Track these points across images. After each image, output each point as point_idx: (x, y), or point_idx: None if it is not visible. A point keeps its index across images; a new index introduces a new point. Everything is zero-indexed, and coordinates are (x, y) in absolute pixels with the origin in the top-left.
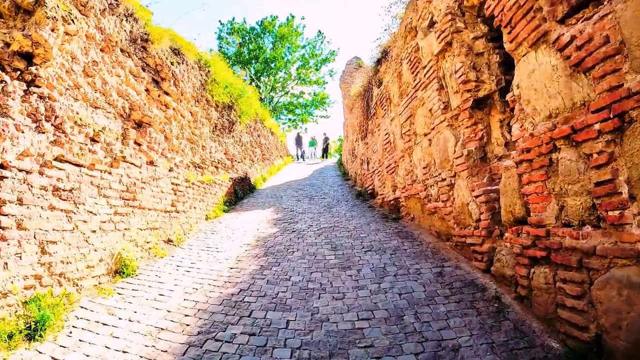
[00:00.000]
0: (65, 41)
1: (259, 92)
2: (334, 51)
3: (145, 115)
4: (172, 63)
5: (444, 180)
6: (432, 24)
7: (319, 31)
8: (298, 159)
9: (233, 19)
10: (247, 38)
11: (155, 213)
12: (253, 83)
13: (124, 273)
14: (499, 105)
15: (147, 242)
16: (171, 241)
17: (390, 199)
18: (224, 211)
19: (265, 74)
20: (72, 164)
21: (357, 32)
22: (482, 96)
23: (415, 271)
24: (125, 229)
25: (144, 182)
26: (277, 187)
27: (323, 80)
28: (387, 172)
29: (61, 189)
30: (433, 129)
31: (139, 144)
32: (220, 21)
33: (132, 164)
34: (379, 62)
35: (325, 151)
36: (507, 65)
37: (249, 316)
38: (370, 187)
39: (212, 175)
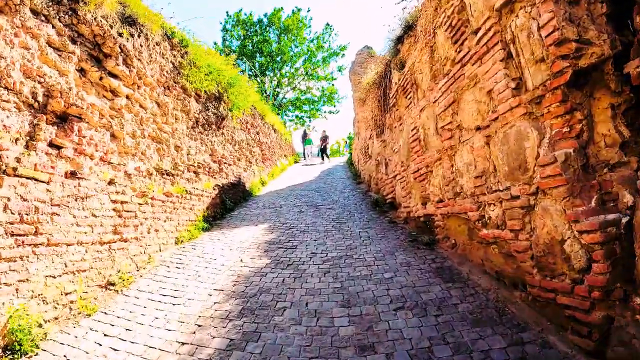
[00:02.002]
0: None
1: (264, 87)
2: (344, 45)
3: (73, 104)
4: (120, 34)
5: (515, 198)
6: None
7: (327, 24)
8: (304, 158)
9: (240, 10)
10: (252, 30)
11: (82, 248)
12: (257, 78)
13: (17, 351)
14: (612, 81)
15: (67, 294)
16: (112, 285)
17: (419, 215)
18: (204, 229)
19: (270, 68)
20: None
21: (366, 22)
22: (586, 66)
23: (482, 356)
24: (19, 280)
25: (57, 205)
26: (278, 192)
27: (331, 76)
28: (415, 178)
29: None
30: (495, 119)
31: (59, 147)
32: (227, 12)
33: (33, 178)
34: (399, 40)
35: (323, 151)
36: (615, 20)
37: None
38: (390, 196)
39: (189, 183)
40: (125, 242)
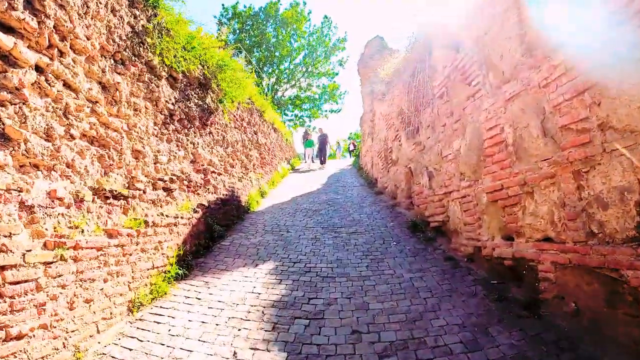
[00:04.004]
0: None
1: (262, 84)
2: (343, 38)
3: None
4: None
5: None
6: None
7: (325, 16)
8: (305, 161)
9: (237, 3)
10: (249, 24)
11: None
12: (256, 74)
13: None
14: None
15: None
16: None
17: (499, 255)
18: (178, 278)
19: (268, 64)
20: None
21: (365, 16)
22: None
23: None
24: None
25: None
26: (282, 207)
27: (333, 72)
28: (494, 200)
29: None
30: None
31: None
32: (223, 5)
33: None
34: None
35: (322, 153)
36: None
37: None
38: (438, 218)
39: (155, 207)
40: (19, 339)
